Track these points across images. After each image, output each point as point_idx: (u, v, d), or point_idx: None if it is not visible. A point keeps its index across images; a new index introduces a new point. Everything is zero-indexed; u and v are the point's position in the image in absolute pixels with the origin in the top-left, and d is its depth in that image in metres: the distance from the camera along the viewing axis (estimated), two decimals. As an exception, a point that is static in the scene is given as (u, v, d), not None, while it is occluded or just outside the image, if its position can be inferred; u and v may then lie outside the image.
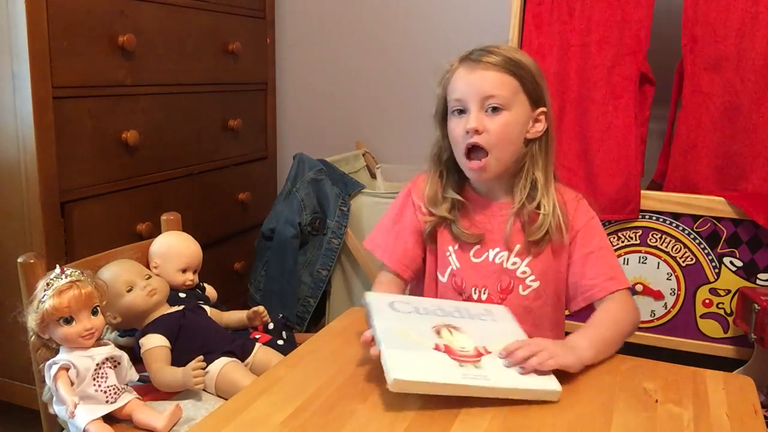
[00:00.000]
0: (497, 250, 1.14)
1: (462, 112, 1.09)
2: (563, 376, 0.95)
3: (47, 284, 1.08)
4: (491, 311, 1.07)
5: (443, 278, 1.17)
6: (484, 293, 1.15)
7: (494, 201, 1.16)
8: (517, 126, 1.09)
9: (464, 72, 1.09)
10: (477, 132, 1.07)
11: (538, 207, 1.11)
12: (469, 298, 1.16)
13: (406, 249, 1.18)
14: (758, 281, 1.68)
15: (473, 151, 1.09)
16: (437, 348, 0.93)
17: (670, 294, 1.75)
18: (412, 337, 0.95)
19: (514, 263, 1.14)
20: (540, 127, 1.12)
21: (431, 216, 1.16)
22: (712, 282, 1.71)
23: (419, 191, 1.19)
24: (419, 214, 1.18)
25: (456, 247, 1.16)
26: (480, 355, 0.93)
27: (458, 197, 1.16)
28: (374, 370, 0.95)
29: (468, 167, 1.11)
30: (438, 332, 0.97)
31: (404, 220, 1.20)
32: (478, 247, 1.15)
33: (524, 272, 1.13)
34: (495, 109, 1.07)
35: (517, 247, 1.13)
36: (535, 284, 1.14)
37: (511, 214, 1.13)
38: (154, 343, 1.23)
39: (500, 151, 1.09)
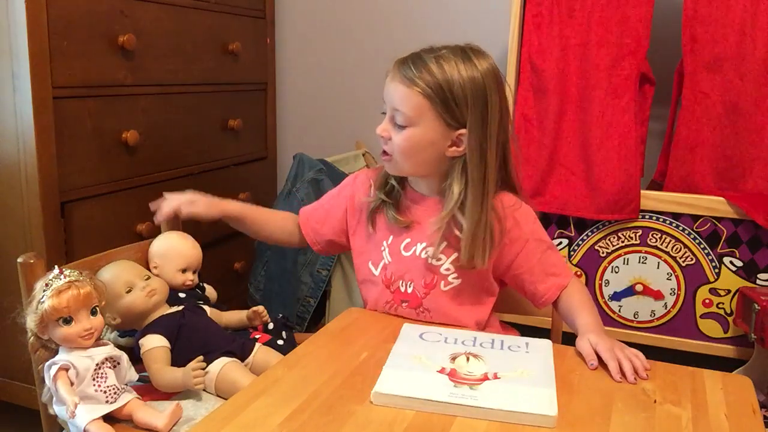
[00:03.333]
0: (424, 244, 1.18)
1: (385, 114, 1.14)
2: (562, 376, 0.95)
3: (46, 284, 1.08)
4: (531, 344, 1.04)
5: (376, 271, 1.22)
6: (410, 286, 1.19)
7: (426, 196, 1.19)
8: (422, 143, 1.10)
9: (389, 78, 1.12)
10: (383, 138, 1.13)
11: (460, 226, 1.12)
12: (397, 291, 1.20)
13: (324, 218, 1.30)
14: (758, 281, 1.68)
15: None
16: (441, 371, 0.93)
17: (670, 294, 1.75)
18: (422, 361, 0.96)
19: (439, 259, 1.17)
20: (460, 148, 1.10)
21: (374, 197, 1.22)
22: (712, 282, 1.71)
23: (365, 177, 1.26)
24: (361, 196, 1.24)
25: (390, 240, 1.21)
26: (485, 379, 0.91)
27: (396, 185, 1.21)
28: (373, 371, 0.95)
29: (381, 157, 1.16)
30: (453, 359, 0.97)
31: (333, 203, 1.30)
32: (408, 240, 1.19)
33: (448, 269, 1.17)
34: (398, 124, 1.10)
35: (444, 244, 1.16)
36: (457, 282, 1.17)
37: (441, 218, 1.13)
38: (154, 344, 1.23)
39: (402, 159, 1.13)
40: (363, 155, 2.37)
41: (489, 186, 1.11)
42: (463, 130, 1.09)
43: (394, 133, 1.11)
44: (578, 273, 1.81)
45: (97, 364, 1.10)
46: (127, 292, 1.25)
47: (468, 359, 0.97)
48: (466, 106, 1.07)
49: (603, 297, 1.81)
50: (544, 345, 1.03)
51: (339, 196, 1.30)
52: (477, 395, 0.86)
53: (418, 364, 0.95)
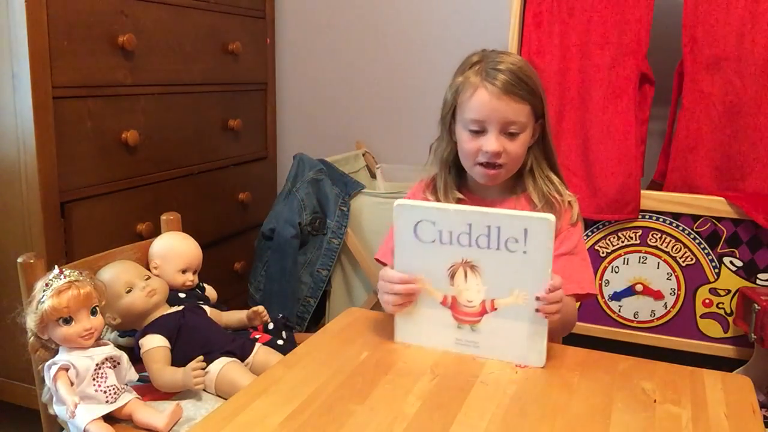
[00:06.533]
0: None
1: (479, 131, 1.13)
2: (562, 375, 0.95)
3: (46, 284, 1.08)
4: (530, 232, 0.95)
5: None
6: None
7: (487, 199, 1.21)
8: (527, 143, 1.16)
9: (488, 96, 1.11)
10: (498, 155, 1.12)
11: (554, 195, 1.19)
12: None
13: None
14: (758, 281, 1.68)
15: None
16: (444, 302, 1.03)
17: (670, 294, 1.75)
18: (424, 286, 1.03)
19: None
20: (534, 137, 1.18)
21: None
22: (712, 282, 1.71)
23: (422, 197, 1.24)
24: None
25: None
26: (483, 312, 1.01)
27: (461, 196, 1.21)
28: (373, 371, 0.95)
29: (481, 173, 1.16)
30: (453, 276, 1.01)
31: None
32: None
33: None
34: (513, 133, 1.13)
35: None
36: None
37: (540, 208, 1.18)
38: (154, 344, 1.23)
39: (515, 165, 1.17)
40: (363, 155, 2.37)
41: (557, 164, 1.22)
42: (540, 120, 1.16)
43: (507, 144, 1.12)
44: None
45: (97, 364, 1.10)
46: (127, 292, 1.25)
47: (466, 275, 1.00)
48: (543, 98, 1.16)
49: (603, 297, 1.81)
50: (540, 228, 0.94)
51: None
52: (478, 341, 1.01)
53: (422, 294, 1.03)
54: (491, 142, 1.12)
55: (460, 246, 0.99)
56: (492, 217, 0.97)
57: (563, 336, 1.22)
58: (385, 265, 1.26)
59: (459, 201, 1.20)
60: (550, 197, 1.18)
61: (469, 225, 0.98)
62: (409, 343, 1.06)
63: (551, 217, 0.94)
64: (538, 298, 0.96)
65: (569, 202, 1.20)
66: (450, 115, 1.18)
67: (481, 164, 1.15)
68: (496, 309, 1.00)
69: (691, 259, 1.72)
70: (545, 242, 0.94)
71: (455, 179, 1.22)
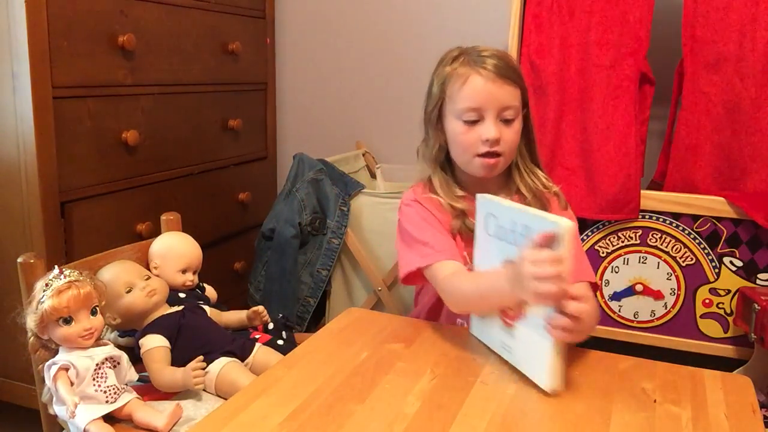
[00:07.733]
0: None
1: (475, 120, 1.12)
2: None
3: (46, 284, 1.09)
4: (557, 237, 0.85)
5: None
6: None
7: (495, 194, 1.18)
8: (519, 131, 1.16)
9: (482, 81, 1.10)
10: (497, 142, 1.11)
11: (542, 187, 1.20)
12: None
13: (450, 241, 1.15)
14: (758, 281, 1.68)
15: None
16: None
17: (670, 294, 1.75)
18: None
19: None
20: (520, 128, 1.18)
21: (453, 215, 1.16)
22: (712, 282, 1.71)
23: (427, 196, 1.19)
24: (439, 215, 1.17)
25: (465, 252, 1.16)
26: (517, 317, 0.96)
27: (462, 193, 1.19)
28: (373, 371, 0.95)
29: (481, 164, 1.13)
30: None
31: (432, 224, 1.16)
32: None
33: None
34: (508, 120, 1.12)
35: None
36: None
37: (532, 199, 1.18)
38: (154, 344, 1.23)
39: (512, 153, 1.16)
40: (363, 155, 2.37)
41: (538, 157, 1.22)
42: (525, 110, 1.16)
43: (503, 131, 1.12)
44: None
45: (97, 364, 1.10)
46: (127, 292, 1.25)
47: None
48: (524, 84, 1.15)
49: (603, 297, 1.81)
50: (566, 241, 0.84)
51: (428, 222, 1.17)
52: (512, 347, 0.97)
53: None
54: (490, 129, 1.10)
55: (508, 244, 0.94)
56: (526, 216, 0.91)
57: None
58: (415, 284, 1.20)
59: (460, 198, 1.18)
60: (537, 191, 1.18)
61: (513, 222, 0.93)
62: (478, 338, 1.06)
63: (572, 223, 0.85)
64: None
65: (554, 192, 1.20)
66: (437, 111, 1.16)
67: (480, 155, 1.13)
68: (524, 315, 0.93)
69: (691, 259, 1.72)
70: (568, 249, 0.84)
71: (451, 178, 1.20)
